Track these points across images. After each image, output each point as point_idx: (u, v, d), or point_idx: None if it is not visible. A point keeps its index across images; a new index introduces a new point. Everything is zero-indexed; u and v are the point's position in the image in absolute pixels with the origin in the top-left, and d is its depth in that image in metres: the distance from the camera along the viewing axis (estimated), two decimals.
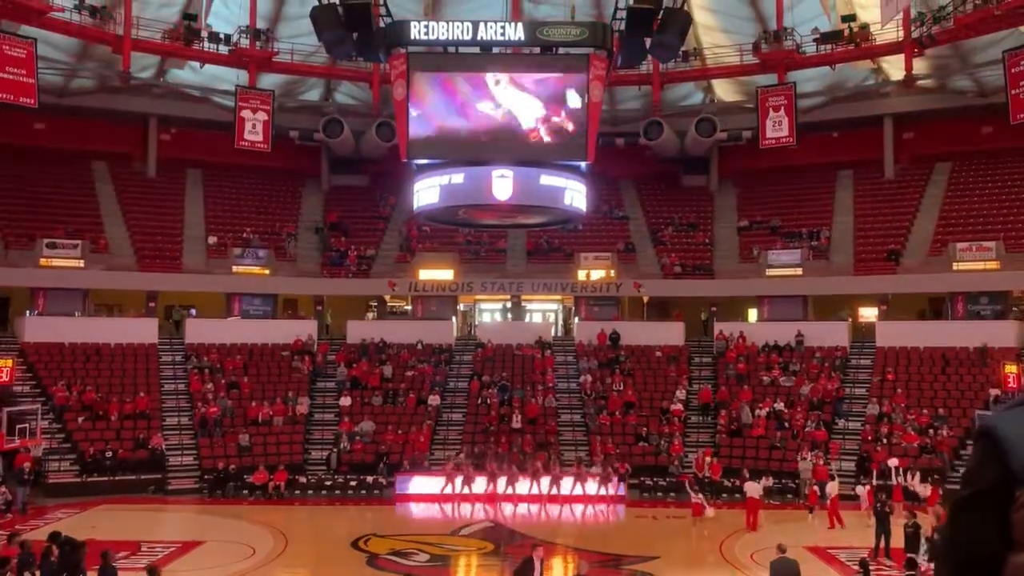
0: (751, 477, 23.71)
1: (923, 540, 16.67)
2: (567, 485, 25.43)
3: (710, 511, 22.51)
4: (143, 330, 32.44)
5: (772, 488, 24.99)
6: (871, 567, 16.26)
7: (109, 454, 26.69)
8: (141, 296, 34.07)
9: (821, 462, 25.52)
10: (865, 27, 33.66)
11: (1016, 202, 34.60)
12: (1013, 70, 29.69)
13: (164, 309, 34.78)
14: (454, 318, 36.07)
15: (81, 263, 32.35)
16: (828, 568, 18.26)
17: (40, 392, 28.82)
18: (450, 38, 22.41)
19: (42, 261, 31.95)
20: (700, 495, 23.03)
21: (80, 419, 27.90)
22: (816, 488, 23.75)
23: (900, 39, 32.99)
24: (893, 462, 24.97)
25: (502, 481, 25.35)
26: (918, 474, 24.36)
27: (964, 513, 1.59)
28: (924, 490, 23.43)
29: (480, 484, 25.29)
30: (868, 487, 23.39)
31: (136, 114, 37.74)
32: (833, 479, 23.36)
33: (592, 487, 25.47)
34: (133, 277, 33.42)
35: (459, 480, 25.25)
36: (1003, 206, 34.74)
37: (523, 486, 25.33)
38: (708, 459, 26.83)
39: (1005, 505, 1.52)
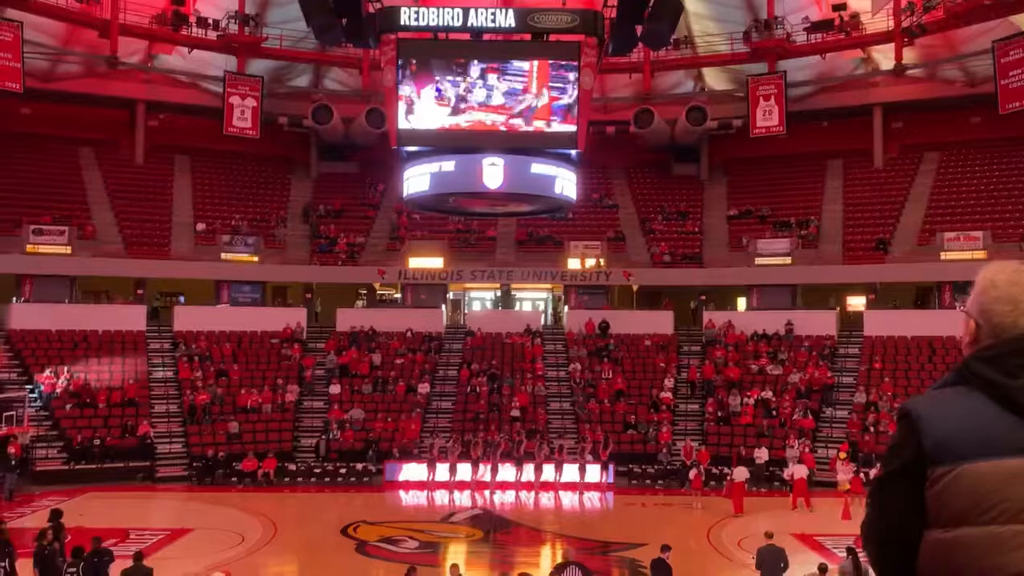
0: (739, 463, 24.27)
1: None
2: (552, 472, 25.54)
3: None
4: (131, 317, 32.29)
5: (761, 472, 25.38)
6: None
7: (97, 442, 26.61)
8: (129, 283, 33.88)
9: (808, 450, 25.71)
10: (856, 16, 33.71)
11: (1004, 192, 34.74)
12: (1002, 60, 29.81)
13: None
14: (444, 306, 36.04)
15: (68, 250, 32.14)
16: (814, 555, 18.36)
17: (27, 379, 28.69)
18: (440, 24, 22.29)
19: (29, 248, 31.75)
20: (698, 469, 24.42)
21: (68, 406, 27.80)
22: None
23: (890, 28, 33.04)
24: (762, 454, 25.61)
25: (490, 468, 25.45)
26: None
27: (882, 492, 1.64)
28: (845, 474, 23.67)
29: (467, 471, 25.41)
30: (853, 473, 23.57)
31: (123, 100, 37.40)
32: (800, 463, 23.96)
33: (574, 471, 25.62)
34: (121, 264, 33.21)
35: (446, 466, 25.35)
36: (991, 196, 34.87)
37: (511, 473, 25.45)
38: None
39: (920, 483, 1.57)
